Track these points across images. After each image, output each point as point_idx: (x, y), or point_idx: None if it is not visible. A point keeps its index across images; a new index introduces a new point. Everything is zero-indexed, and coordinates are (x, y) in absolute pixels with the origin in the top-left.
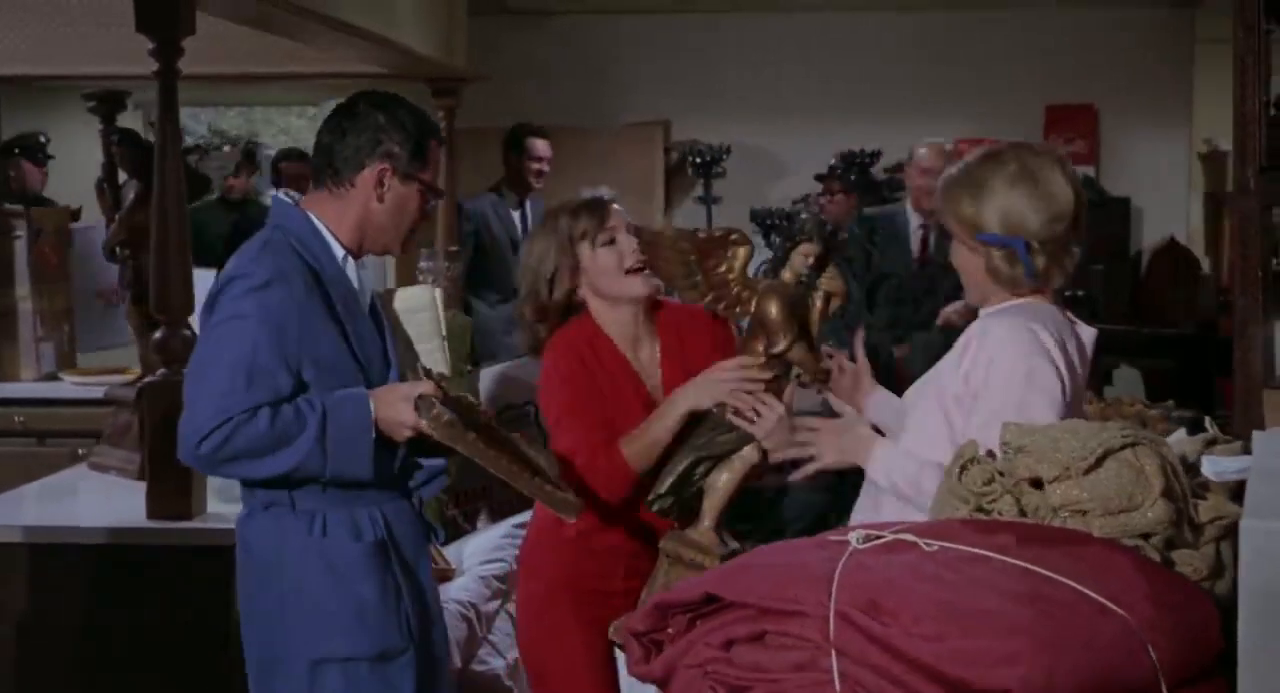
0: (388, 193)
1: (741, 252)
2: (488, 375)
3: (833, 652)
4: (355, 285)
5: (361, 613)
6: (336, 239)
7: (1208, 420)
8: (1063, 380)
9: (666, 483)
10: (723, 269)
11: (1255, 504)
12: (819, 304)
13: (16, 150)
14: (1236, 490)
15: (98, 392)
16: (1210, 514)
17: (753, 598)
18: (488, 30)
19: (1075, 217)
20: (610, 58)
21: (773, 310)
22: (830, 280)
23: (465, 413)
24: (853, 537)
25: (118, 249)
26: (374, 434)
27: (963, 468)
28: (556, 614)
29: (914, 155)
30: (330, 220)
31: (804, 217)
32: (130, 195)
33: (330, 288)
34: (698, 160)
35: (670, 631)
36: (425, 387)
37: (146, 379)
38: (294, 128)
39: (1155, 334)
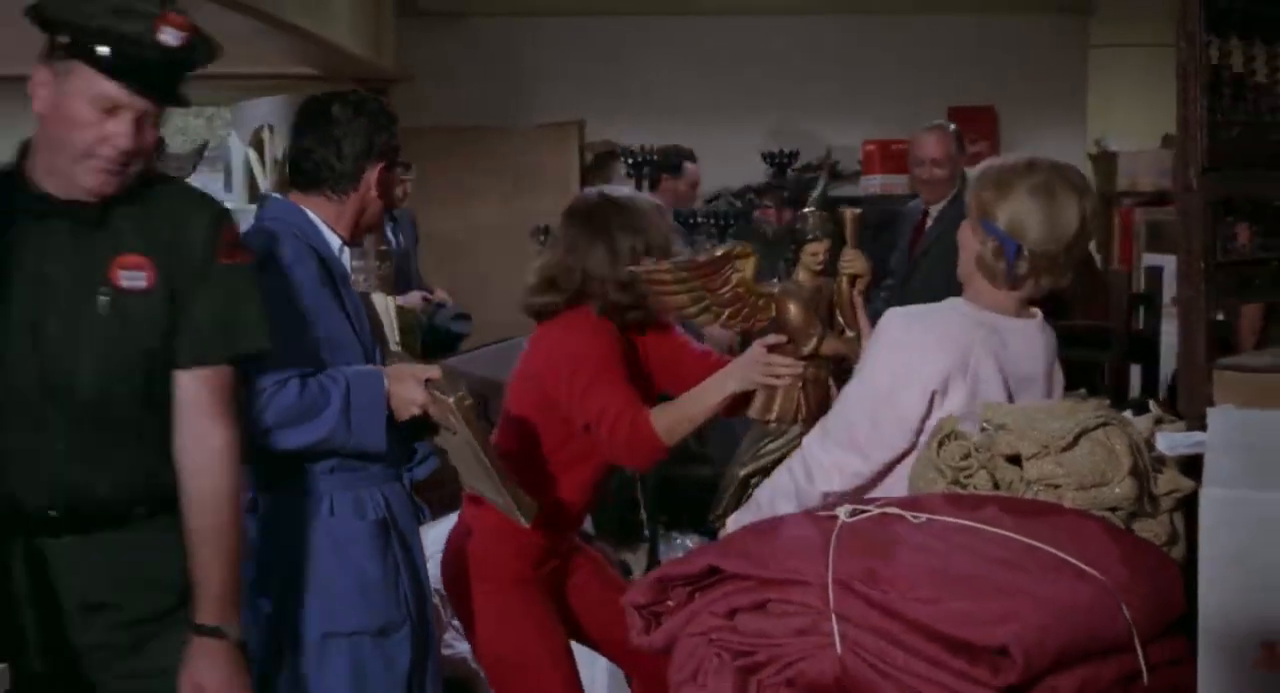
0: (384, 185)
1: (747, 263)
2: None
3: (833, 617)
4: (349, 272)
5: (365, 589)
6: (333, 231)
7: (1151, 403)
8: (916, 379)
9: (723, 504)
10: (731, 285)
11: (1213, 475)
12: (845, 287)
13: None
14: (1184, 464)
15: None
16: (1167, 487)
17: (753, 570)
18: (400, 31)
19: (1072, 245)
20: (522, 59)
21: (791, 312)
22: (850, 262)
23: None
24: (840, 512)
25: None
26: (387, 410)
27: (941, 443)
28: (511, 609)
29: (916, 144)
30: (329, 217)
31: (808, 212)
32: None
33: (334, 272)
34: (630, 161)
35: (670, 603)
36: (434, 372)
37: None
38: (192, 128)
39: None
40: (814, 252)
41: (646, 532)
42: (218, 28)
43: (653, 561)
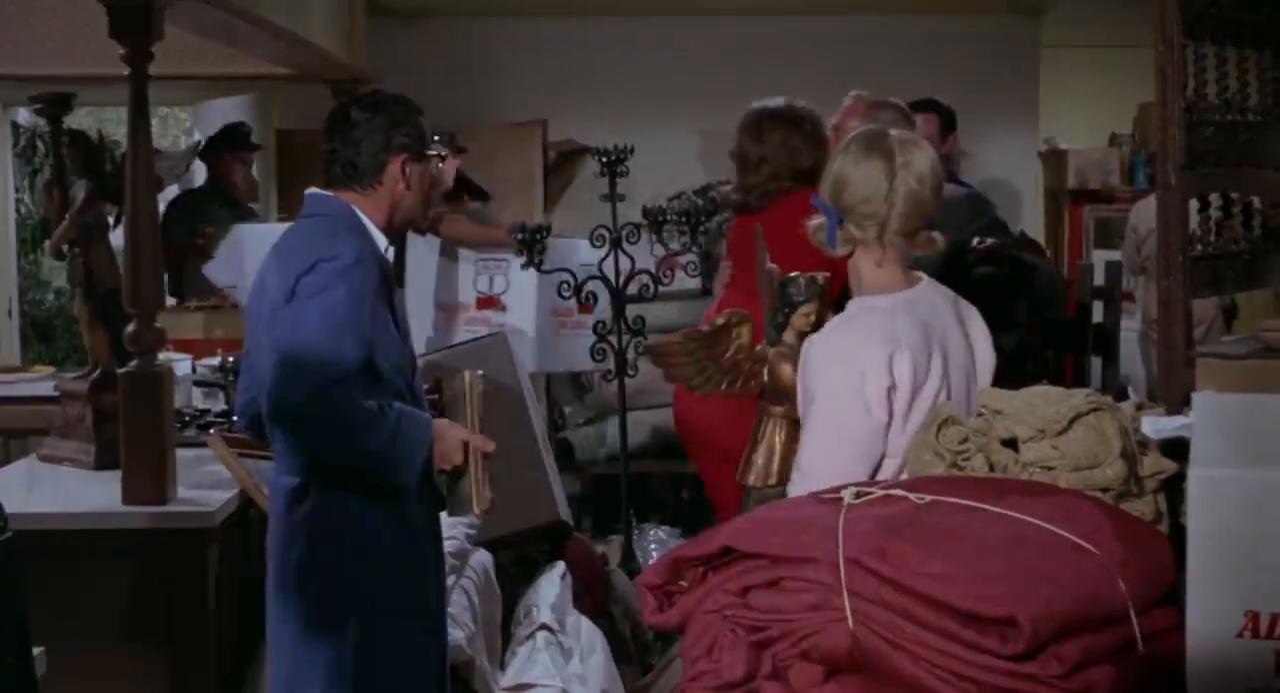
0: (410, 177)
1: (745, 330)
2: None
3: (845, 592)
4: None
5: (410, 574)
6: (378, 229)
7: (1130, 390)
8: (865, 387)
9: None
10: (731, 351)
11: (1199, 456)
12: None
13: (226, 147)
14: (1165, 446)
15: None
16: (1152, 469)
17: (766, 549)
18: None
19: (894, 205)
20: (485, 59)
21: (786, 374)
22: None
23: None
24: (845, 494)
25: (66, 247)
26: (428, 455)
27: (939, 428)
28: None
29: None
30: (367, 211)
31: (796, 276)
32: (80, 195)
33: (384, 270)
34: (603, 160)
35: (684, 583)
36: (488, 444)
37: (123, 370)
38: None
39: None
40: (806, 313)
41: (624, 525)
42: (203, 27)
43: (628, 552)
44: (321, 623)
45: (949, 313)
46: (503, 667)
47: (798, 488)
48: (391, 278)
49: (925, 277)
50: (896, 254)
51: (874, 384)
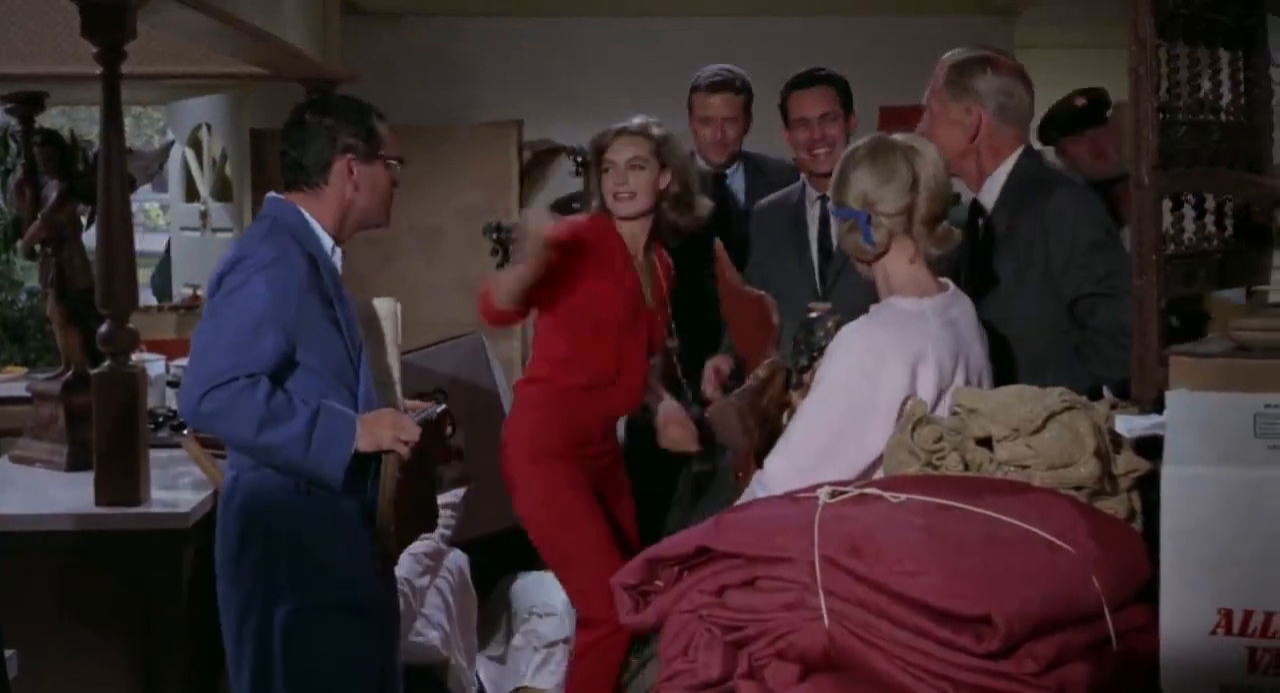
0: (359, 178)
1: (780, 378)
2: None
3: (820, 591)
4: (340, 274)
5: (342, 567)
6: (325, 230)
7: (1105, 389)
8: (875, 387)
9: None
10: (765, 402)
11: (1173, 454)
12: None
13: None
14: (1139, 445)
15: None
16: (1125, 468)
17: (741, 549)
18: (340, 30)
19: (919, 192)
20: (461, 59)
21: None
22: None
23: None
24: (820, 493)
25: (38, 247)
26: (353, 451)
27: (914, 427)
28: (555, 478)
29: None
30: (316, 213)
31: (820, 317)
32: (52, 195)
33: (325, 274)
34: (579, 159)
35: (659, 583)
36: (414, 432)
37: (96, 371)
38: None
39: None
40: None
41: None
42: (176, 26)
43: None
44: (250, 614)
45: (972, 322)
46: (503, 660)
47: (778, 468)
48: (335, 278)
49: (952, 284)
50: (923, 250)
51: (890, 406)
